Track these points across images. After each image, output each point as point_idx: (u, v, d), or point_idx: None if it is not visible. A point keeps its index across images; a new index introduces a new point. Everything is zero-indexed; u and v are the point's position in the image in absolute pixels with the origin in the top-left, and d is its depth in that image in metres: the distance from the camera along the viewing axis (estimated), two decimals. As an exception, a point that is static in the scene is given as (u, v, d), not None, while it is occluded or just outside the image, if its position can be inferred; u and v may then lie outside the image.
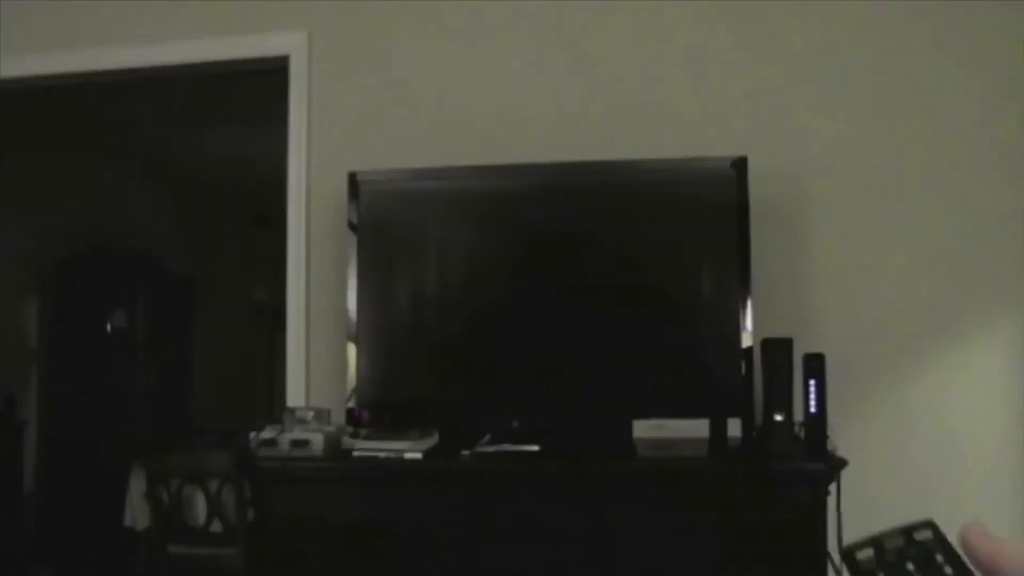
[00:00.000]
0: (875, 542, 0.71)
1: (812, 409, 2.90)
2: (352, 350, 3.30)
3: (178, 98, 5.80)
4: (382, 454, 2.99)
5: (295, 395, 3.65)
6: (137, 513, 4.42)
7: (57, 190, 6.85)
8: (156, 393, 7.19)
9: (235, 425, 5.08)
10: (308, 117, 3.75)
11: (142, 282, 7.22)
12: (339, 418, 3.29)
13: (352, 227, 3.34)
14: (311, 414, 3.19)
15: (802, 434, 2.93)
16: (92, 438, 6.60)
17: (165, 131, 6.74)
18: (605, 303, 3.23)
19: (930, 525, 0.72)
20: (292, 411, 3.22)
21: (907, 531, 0.71)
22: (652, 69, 3.54)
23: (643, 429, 2.94)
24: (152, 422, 6.96)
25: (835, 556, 2.90)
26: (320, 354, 3.65)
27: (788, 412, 2.88)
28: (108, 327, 6.98)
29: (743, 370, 3.09)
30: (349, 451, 3.03)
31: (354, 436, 3.08)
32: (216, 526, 4.07)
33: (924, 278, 3.35)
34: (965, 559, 0.69)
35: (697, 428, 2.95)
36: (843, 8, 3.45)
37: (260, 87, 4.42)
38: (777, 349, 2.92)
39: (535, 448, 2.98)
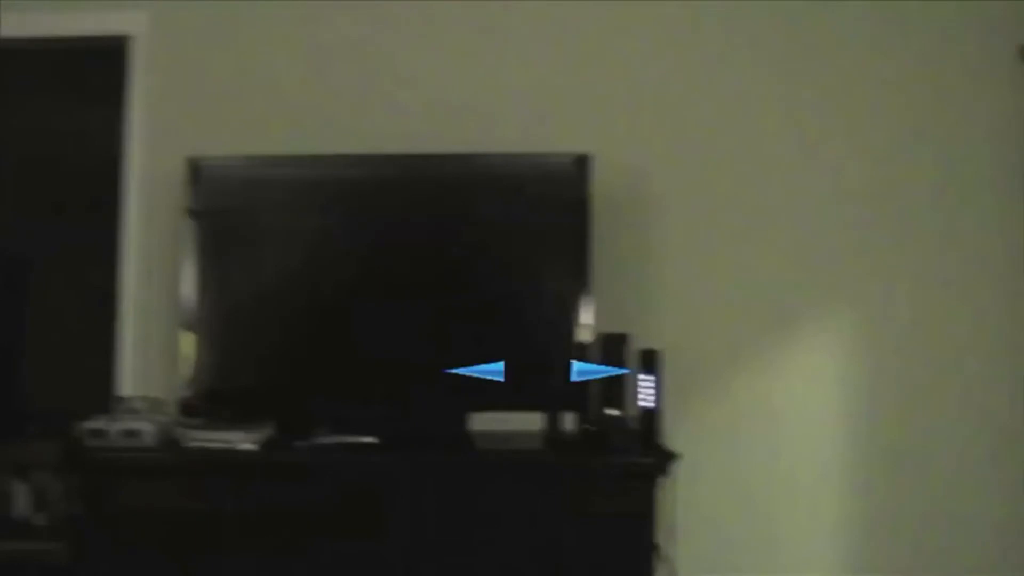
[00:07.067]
0: None
1: (647, 404, 2.97)
2: (187, 339, 3.22)
3: (9, 72, 5.53)
4: (215, 445, 2.93)
5: (129, 384, 3.54)
6: (-46, 506, 4.21)
7: None
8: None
9: (70, 413, 4.88)
10: (148, 100, 3.63)
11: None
12: (174, 407, 3.21)
13: (191, 214, 3.26)
14: (143, 404, 3.10)
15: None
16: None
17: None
18: (446, 295, 3.23)
19: None
20: (122, 400, 3.13)
21: None
22: (496, 63, 3.56)
23: (480, 421, 2.96)
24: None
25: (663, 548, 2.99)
26: (155, 342, 3.54)
27: (623, 406, 2.94)
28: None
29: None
30: (181, 442, 2.96)
31: (188, 426, 3.01)
32: (39, 519, 3.91)
33: (761, 275, 3.47)
34: None
35: (533, 421, 2.98)
36: (684, 6, 3.54)
37: (98, 64, 4.24)
38: (613, 344, 2.98)
39: (372, 440, 2.97)
